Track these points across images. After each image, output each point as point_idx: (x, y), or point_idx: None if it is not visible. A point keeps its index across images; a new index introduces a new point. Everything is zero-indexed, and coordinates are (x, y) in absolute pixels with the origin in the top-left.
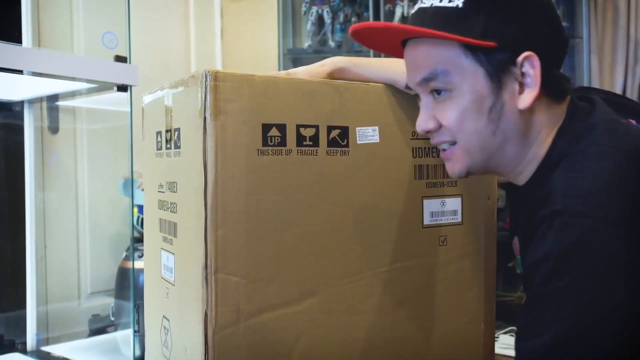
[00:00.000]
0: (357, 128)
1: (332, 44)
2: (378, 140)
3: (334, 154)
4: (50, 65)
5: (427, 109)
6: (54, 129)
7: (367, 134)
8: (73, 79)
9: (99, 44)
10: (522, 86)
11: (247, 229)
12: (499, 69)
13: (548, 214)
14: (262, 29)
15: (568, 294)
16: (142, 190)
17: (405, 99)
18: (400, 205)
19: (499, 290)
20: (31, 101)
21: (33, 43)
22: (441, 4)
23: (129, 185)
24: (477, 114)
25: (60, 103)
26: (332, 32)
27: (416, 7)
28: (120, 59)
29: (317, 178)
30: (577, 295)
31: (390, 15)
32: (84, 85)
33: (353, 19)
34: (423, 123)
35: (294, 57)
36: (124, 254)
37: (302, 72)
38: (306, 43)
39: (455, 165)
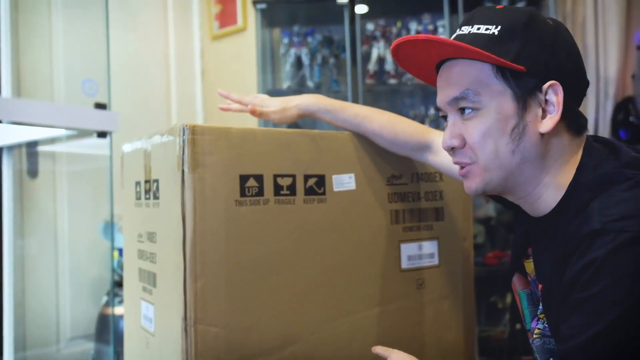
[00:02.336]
0: (333, 176)
1: (310, 84)
2: (354, 187)
3: (311, 202)
4: (30, 115)
5: (454, 127)
6: (33, 173)
7: (344, 182)
8: (53, 126)
9: (79, 89)
10: (544, 112)
11: (227, 279)
12: (526, 92)
13: (587, 234)
14: (241, 70)
15: (602, 298)
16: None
17: (379, 146)
18: (378, 250)
19: (481, 325)
20: (10, 147)
21: (13, 91)
22: (478, 31)
23: (109, 228)
24: (499, 132)
25: (40, 148)
26: (311, 73)
27: (455, 34)
28: (100, 105)
29: (295, 226)
30: (610, 298)
31: (367, 56)
32: (64, 132)
33: (331, 60)
34: (448, 140)
35: None
36: (104, 299)
37: (275, 103)
38: (285, 84)
39: (472, 182)
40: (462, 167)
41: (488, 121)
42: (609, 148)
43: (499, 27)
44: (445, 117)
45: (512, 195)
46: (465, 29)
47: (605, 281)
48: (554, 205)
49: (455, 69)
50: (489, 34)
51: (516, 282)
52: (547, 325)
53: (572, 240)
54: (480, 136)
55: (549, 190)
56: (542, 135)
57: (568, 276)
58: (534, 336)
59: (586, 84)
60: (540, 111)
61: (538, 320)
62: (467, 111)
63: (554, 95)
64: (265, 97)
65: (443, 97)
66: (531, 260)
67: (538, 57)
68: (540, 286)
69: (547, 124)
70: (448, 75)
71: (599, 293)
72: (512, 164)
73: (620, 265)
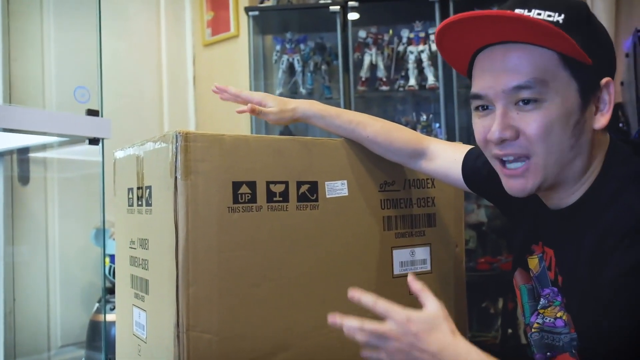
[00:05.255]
0: (326, 182)
1: (303, 91)
2: (347, 194)
3: (304, 208)
4: (21, 121)
5: (505, 117)
6: (25, 180)
7: (336, 188)
8: (45, 133)
9: (71, 96)
10: (597, 109)
11: (219, 285)
12: (588, 86)
13: (631, 229)
14: (234, 77)
15: None
16: (114, 239)
17: (372, 153)
18: (371, 256)
19: (473, 330)
20: (1, 153)
21: (4, 98)
22: (539, 17)
23: (101, 235)
24: (563, 127)
25: (31, 155)
26: (303, 80)
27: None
28: (92, 112)
29: (287, 233)
30: None
31: (359, 63)
32: (56, 139)
33: (323, 67)
34: (499, 131)
35: None
36: (95, 306)
37: (274, 103)
38: (277, 91)
39: (527, 182)
40: (513, 168)
41: (552, 114)
42: (631, 145)
43: (563, 16)
44: (480, 107)
45: (551, 190)
46: (519, 12)
47: None
48: (580, 196)
49: (514, 54)
50: (552, 21)
51: (518, 277)
52: (546, 320)
53: (612, 234)
54: (543, 129)
55: (585, 184)
56: (593, 130)
57: (612, 273)
58: (533, 330)
59: None
60: (594, 107)
61: (538, 314)
62: (527, 102)
63: (608, 93)
64: (264, 94)
65: (496, 83)
66: (535, 256)
67: (598, 51)
68: (560, 279)
69: (601, 121)
70: (504, 60)
71: None
72: (568, 159)
73: None
